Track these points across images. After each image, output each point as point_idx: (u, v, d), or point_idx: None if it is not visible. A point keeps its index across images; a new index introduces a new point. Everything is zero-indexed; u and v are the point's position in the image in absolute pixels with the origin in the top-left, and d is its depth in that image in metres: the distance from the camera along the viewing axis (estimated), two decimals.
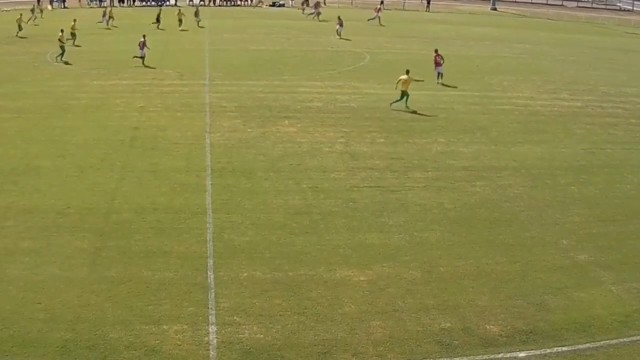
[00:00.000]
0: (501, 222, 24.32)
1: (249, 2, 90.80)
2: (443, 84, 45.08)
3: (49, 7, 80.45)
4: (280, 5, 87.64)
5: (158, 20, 67.29)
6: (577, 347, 17.16)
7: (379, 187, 26.79)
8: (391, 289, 19.23)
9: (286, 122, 34.65)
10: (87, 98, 38.00)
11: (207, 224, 22.56)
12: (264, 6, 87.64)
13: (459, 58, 55.44)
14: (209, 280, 19.02)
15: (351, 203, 25.06)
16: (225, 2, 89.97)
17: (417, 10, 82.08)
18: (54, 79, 43.13)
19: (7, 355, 15.39)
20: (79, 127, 32.37)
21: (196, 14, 70.17)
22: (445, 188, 27.14)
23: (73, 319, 16.85)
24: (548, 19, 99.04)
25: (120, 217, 22.79)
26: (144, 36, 48.58)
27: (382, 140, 32.65)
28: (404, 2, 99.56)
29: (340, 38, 63.47)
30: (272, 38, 63.41)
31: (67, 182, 25.64)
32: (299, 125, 34.24)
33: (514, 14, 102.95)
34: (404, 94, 37.86)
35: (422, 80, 40.50)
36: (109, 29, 66.09)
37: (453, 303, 18.77)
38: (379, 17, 76.36)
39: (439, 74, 45.87)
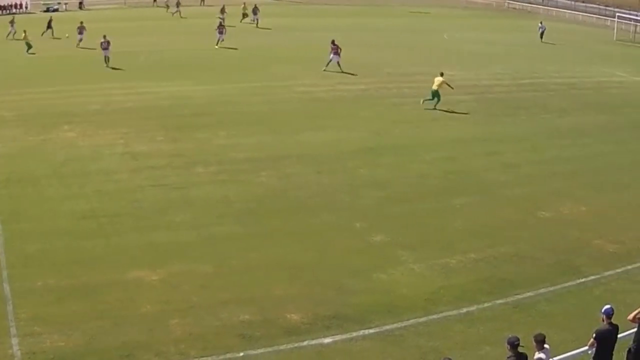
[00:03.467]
0: (289, 211, 25.15)
1: (23, 9, 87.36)
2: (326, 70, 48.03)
3: None
4: (54, 10, 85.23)
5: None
6: (384, 328, 17.62)
7: (162, 185, 27.28)
8: (185, 286, 19.55)
9: (66, 127, 34.34)
10: None
11: None
12: (38, 12, 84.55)
13: (237, 52, 56.29)
14: (5, 292, 18.92)
15: (136, 203, 25.49)
16: None
17: (193, 6, 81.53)
18: None
19: None
20: None
21: None
22: (230, 181, 27.91)
23: None
24: (326, 4, 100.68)
25: None
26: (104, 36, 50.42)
27: (161, 138, 33.22)
28: None
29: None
30: (47, 44, 60.22)
31: None
32: (78, 129, 34.09)
33: (292, 1, 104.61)
34: (435, 94, 39.07)
35: (452, 89, 40.37)
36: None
37: (249, 295, 19.12)
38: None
39: (338, 63, 48.66)
